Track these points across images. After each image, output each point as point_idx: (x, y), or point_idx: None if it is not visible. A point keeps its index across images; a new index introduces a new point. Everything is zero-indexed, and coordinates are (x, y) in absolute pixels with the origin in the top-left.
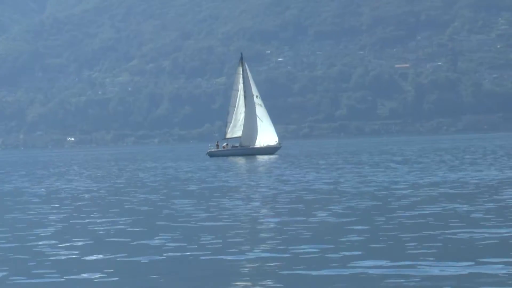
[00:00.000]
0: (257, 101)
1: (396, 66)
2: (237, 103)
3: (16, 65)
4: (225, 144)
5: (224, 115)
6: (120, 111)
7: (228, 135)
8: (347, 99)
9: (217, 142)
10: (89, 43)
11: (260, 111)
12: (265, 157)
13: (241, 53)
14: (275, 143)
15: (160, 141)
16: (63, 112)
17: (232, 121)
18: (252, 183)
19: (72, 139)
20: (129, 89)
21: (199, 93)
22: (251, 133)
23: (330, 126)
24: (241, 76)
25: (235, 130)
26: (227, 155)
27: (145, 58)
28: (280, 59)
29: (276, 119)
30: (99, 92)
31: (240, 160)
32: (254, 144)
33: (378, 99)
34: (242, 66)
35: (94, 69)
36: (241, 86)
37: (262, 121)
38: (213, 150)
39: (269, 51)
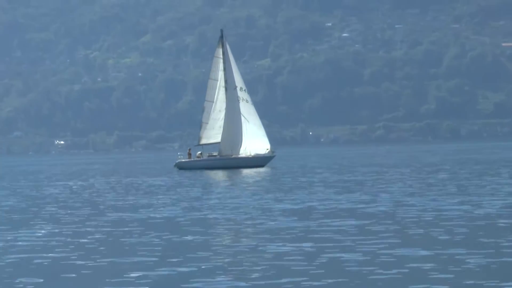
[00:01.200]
0: (242, 94)
1: (504, 45)
2: (215, 98)
3: None
4: (199, 152)
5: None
6: (127, 105)
7: (203, 140)
8: (437, 89)
9: (189, 149)
10: (86, 12)
11: (246, 108)
12: (252, 170)
13: (221, 30)
14: (266, 151)
15: (182, 145)
16: (50, 106)
17: (209, 122)
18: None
19: (62, 142)
20: (139, 74)
21: None
22: (233, 138)
23: (414, 127)
24: (221, 60)
25: (213, 133)
26: (201, 168)
27: (161, 33)
28: (345, 34)
29: (338, 117)
30: (99, 79)
31: (217, 175)
32: (237, 153)
33: (479, 90)
34: (223, 46)
35: (92, 47)
36: (221, 74)
37: (248, 122)
38: (183, 160)
39: (330, 24)
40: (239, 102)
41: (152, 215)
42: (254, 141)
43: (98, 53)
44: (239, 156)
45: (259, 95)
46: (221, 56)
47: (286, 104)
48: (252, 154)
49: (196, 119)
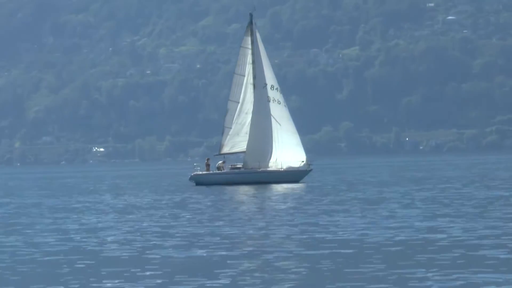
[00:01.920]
0: (273, 94)
1: None
2: (241, 98)
3: (12, 26)
4: (220, 162)
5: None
6: (182, 104)
7: (225, 149)
8: None
9: (208, 159)
10: None
11: (278, 111)
12: (285, 186)
13: (251, 13)
14: (302, 164)
15: None
16: (87, 105)
17: (233, 126)
18: None
19: (101, 149)
20: (198, 66)
21: (316, 72)
22: (261, 147)
23: None
24: (249, 52)
25: (237, 141)
26: (222, 182)
27: (225, 15)
28: (450, 17)
29: (441, 119)
30: (148, 72)
31: (241, 193)
32: (266, 165)
33: None
34: (252, 34)
35: (139, 33)
36: (248, 68)
37: (280, 127)
38: (199, 173)
39: (432, 4)
40: (269, 103)
41: None
42: (287, 151)
43: (147, 40)
44: (268, 169)
45: (344, 91)
46: (250, 46)
47: (377, 103)
48: (284, 167)
49: None
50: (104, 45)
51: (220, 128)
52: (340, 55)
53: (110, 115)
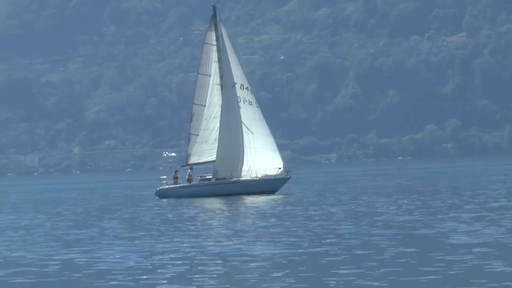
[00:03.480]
0: (244, 94)
1: None
2: (208, 100)
3: (66, 15)
4: (189, 170)
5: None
6: (264, 101)
7: (193, 159)
8: None
9: (176, 171)
10: None
11: (249, 113)
12: (260, 198)
13: (214, 5)
14: (278, 171)
15: (340, 157)
16: (155, 104)
17: (200, 133)
18: None
19: (173, 154)
20: (281, 57)
21: (416, 62)
22: (232, 155)
23: None
24: (214, 48)
25: (206, 149)
26: (191, 196)
27: None
28: None
29: None
30: None
31: (211, 206)
32: (238, 175)
33: None
34: (216, 29)
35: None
36: (214, 67)
37: (251, 132)
38: (166, 186)
39: None
40: (239, 104)
41: None
42: (261, 157)
43: (223, 28)
44: (241, 179)
45: (450, 84)
46: (215, 43)
47: (488, 97)
48: (259, 175)
49: (362, 120)
50: (173, 35)
51: (302, 128)
52: (445, 43)
53: (182, 114)
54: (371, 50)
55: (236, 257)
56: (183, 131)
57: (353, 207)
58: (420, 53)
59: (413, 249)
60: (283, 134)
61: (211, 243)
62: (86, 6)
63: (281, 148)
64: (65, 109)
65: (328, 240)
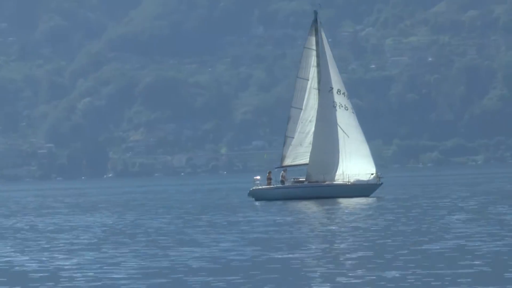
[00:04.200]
0: (340, 99)
1: None
2: (304, 104)
3: (215, 16)
4: (283, 172)
5: None
6: (412, 103)
7: (287, 161)
8: None
9: (269, 172)
10: None
11: (345, 118)
12: (353, 201)
13: (315, 11)
14: (371, 176)
15: (488, 159)
16: None
17: (296, 135)
18: None
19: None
20: (430, 59)
21: None
22: (326, 158)
23: None
24: (313, 53)
25: (301, 151)
26: (284, 197)
27: (460, 0)
28: None
29: None
30: (372, 66)
31: (305, 208)
32: (332, 179)
33: None
34: (316, 34)
35: (363, 22)
36: (313, 71)
37: (348, 136)
38: (259, 187)
39: None
40: (335, 109)
41: None
42: (355, 162)
43: (372, 30)
44: (334, 183)
45: None
46: (314, 48)
47: None
48: (352, 180)
49: (509, 122)
50: None
51: (450, 130)
52: None
53: None
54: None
55: None
56: None
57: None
58: None
59: None
60: (430, 136)
61: None
62: (235, 7)
63: (428, 150)
64: (212, 109)
65: None
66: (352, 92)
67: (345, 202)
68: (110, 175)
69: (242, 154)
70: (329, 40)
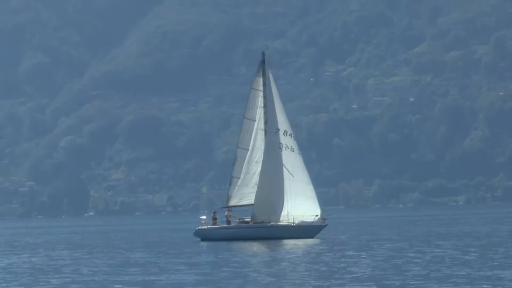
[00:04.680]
0: (286, 141)
1: None
2: (251, 144)
3: (198, 54)
4: (227, 211)
5: None
6: (394, 143)
7: (233, 201)
8: None
9: (214, 212)
10: (337, 12)
11: (291, 160)
12: (298, 242)
13: (263, 52)
14: (316, 218)
15: (468, 200)
16: None
17: (242, 176)
18: None
19: None
20: (411, 99)
21: None
22: (271, 199)
23: None
24: (261, 94)
25: (246, 192)
26: (229, 238)
27: (443, 40)
28: None
29: None
30: (354, 106)
31: (252, 249)
32: (276, 220)
33: None
34: (263, 75)
35: (345, 62)
36: (260, 112)
37: (293, 177)
38: (205, 227)
39: None
40: (281, 151)
41: None
42: (300, 204)
43: (354, 70)
44: (279, 223)
45: None
46: (261, 88)
47: None
48: (296, 221)
49: (490, 163)
50: (304, 75)
51: (431, 170)
52: None
53: (311, 155)
54: (501, 93)
55: None
56: (312, 172)
57: None
58: None
59: None
60: (411, 176)
61: None
62: (218, 46)
63: (409, 190)
64: (194, 148)
65: None
66: (333, 131)
67: (288, 242)
68: (91, 213)
69: (223, 193)
70: (311, 80)
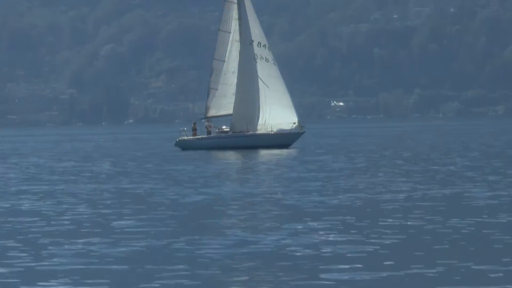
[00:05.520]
0: (261, 52)
1: None
2: (227, 56)
3: None
4: (207, 123)
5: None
6: (434, 53)
7: (212, 112)
8: None
9: (194, 123)
10: None
11: (266, 70)
12: (275, 152)
13: None
14: (293, 126)
15: (508, 109)
16: (324, 53)
17: (219, 87)
18: None
19: (340, 103)
20: (452, 10)
21: None
22: (248, 109)
23: None
24: (235, 6)
25: (224, 102)
26: (209, 147)
27: None
28: None
29: None
30: (395, 16)
31: (228, 158)
32: (254, 129)
33: None
34: None
35: None
36: (234, 24)
37: (268, 87)
38: (185, 138)
39: None
40: (255, 62)
41: None
42: (276, 112)
43: None
44: (257, 132)
45: None
46: (235, 1)
47: None
48: (274, 130)
49: None
50: None
51: (471, 81)
52: None
53: (351, 65)
54: None
55: None
56: (352, 81)
57: None
58: None
59: None
60: (452, 86)
61: None
62: None
63: (448, 99)
64: None
65: None
66: (374, 41)
67: (265, 151)
68: (131, 121)
69: None
70: None
